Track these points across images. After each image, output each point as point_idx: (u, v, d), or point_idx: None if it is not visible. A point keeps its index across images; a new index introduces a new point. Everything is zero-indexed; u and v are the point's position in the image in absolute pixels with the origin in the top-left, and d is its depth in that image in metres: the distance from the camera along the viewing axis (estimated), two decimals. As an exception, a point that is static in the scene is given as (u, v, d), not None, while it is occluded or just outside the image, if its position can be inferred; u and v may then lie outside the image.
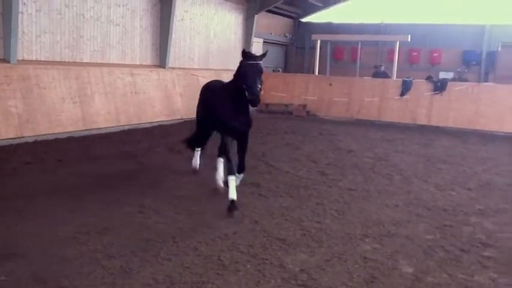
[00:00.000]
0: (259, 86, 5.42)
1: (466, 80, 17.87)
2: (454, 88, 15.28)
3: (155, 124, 12.89)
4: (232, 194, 5.63)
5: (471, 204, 6.48)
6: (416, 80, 16.26)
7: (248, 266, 4.20)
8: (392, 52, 18.09)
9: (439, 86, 15.66)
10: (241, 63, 5.70)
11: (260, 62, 5.58)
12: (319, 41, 18.48)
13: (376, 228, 5.37)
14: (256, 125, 14.38)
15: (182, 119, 13.97)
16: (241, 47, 18.33)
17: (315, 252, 4.57)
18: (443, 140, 12.49)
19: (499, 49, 17.57)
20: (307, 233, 5.10)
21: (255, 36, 18.94)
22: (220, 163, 6.71)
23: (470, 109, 14.85)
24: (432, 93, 15.57)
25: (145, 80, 13.24)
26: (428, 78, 16.43)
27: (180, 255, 4.41)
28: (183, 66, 15.18)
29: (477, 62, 20.41)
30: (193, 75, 15.22)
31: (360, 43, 18.59)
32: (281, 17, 22.64)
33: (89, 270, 4.01)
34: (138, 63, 13.39)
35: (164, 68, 14.09)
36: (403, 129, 14.36)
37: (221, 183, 6.46)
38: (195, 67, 15.83)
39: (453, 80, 17.81)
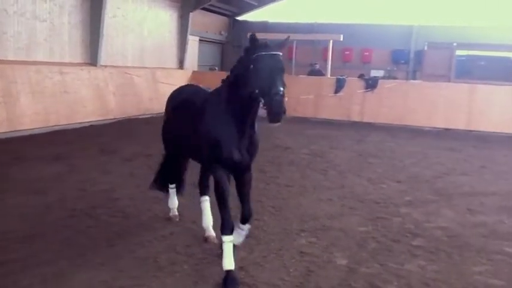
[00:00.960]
0: (282, 90, 3.36)
1: (395, 78, 18.71)
2: (384, 86, 15.90)
3: (87, 124, 12.42)
4: (229, 263, 3.84)
5: (401, 196, 6.78)
6: (349, 78, 16.78)
7: (185, 267, 4.14)
8: (326, 51, 18.57)
9: (371, 84, 16.26)
10: (248, 55, 3.61)
11: (281, 53, 3.54)
12: (254, 40, 18.60)
13: (312, 222, 5.48)
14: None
15: (115, 119, 13.57)
16: (177, 45, 18.13)
17: (253, 250, 4.58)
18: (375, 136, 12.98)
19: (426, 48, 18.53)
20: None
21: (190, 34, 18.75)
22: (206, 203, 4.90)
23: (400, 106, 15.52)
24: (364, 90, 16.12)
25: (76, 78, 12.71)
26: (361, 76, 17.04)
27: (115, 258, 4.27)
28: (116, 64, 14.73)
29: (405, 61, 21.40)
30: (127, 73, 14.82)
31: (295, 42, 18.89)
32: (217, 15, 22.59)
33: (17, 278, 3.79)
34: (67, 61, 12.84)
35: (96, 66, 13.60)
36: (337, 126, 14.77)
37: (212, 232, 4.77)
38: (129, 65, 15.42)
39: (384, 78, 18.58)
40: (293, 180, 7.52)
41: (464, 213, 6.14)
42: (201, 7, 19.08)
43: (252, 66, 3.50)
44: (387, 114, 15.62)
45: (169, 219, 5.27)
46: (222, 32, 23.51)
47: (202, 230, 4.81)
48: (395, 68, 21.37)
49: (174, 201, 5.36)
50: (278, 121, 3.34)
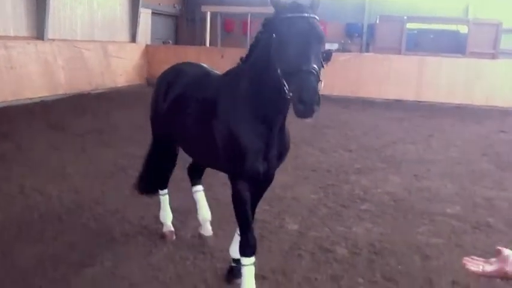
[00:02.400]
0: (316, 69, 2.37)
1: (349, 51, 18.98)
2: (338, 58, 16.08)
3: (36, 100, 11.99)
4: None
5: (351, 164, 7.00)
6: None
7: (139, 238, 4.17)
8: (280, 24, 18.56)
9: (325, 57, 16.30)
10: (270, 23, 2.65)
11: (316, 16, 2.52)
12: (209, 13, 18.35)
13: (266, 192, 5.57)
14: (147, 100, 14.14)
15: (65, 94, 13.16)
16: (129, 18, 17.62)
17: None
18: (330, 107, 13.17)
19: (377, 22, 18.77)
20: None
21: (142, 7, 18.25)
22: (200, 193, 4.21)
23: (353, 78, 15.80)
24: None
25: (22, 53, 12.17)
26: (316, 50, 17.18)
27: (67, 233, 4.24)
28: (64, 38, 14.20)
29: (359, 34, 21.71)
30: (76, 47, 14.32)
31: (249, 15, 18.77)
32: (170, -12, 22.05)
33: (-38, 257, 3.71)
34: (12, 34, 12.26)
35: (43, 39, 13.07)
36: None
37: (209, 225, 4.18)
38: (78, 39, 14.89)
39: (338, 50, 18.82)
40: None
41: (411, 179, 6.42)
42: (153, -21, 18.58)
43: (274, 35, 2.48)
44: (341, 86, 15.86)
45: (163, 236, 4.17)
46: (176, 5, 23.00)
47: (199, 224, 4.25)
48: (349, 41, 21.66)
49: (167, 212, 4.24)
50: (309, 115, 2.31)
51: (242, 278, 3.13)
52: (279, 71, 2.43)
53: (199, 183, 4.20)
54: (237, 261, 3.33)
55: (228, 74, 3.19)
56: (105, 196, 5.26)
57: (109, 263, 3.72)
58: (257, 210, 4.84)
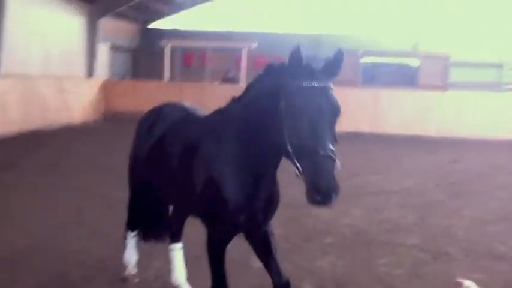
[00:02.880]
0: (334, 151, 2.17)
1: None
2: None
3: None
4: None
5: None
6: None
7: (98, 280, 4.01)
8: (239, 58, 18.85)
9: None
10: (277, 82, 2.36)
11: (331, 86, 2.34)
12: (168, 47, 18.44)
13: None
14: (104, 136, 13.99)
15: (19, 131, 12.74)
16: (86, 53, 17.44)
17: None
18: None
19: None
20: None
21: (100, 41, 18.14)
22: (179, 253, 3.88)
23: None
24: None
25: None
26: (273, 83, 17.50)
27: (20, 280, 4.03)
28: (18, 73, 13.85)
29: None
30: (31, 82, 13.97)
31: (209, 50, 19.00)
32: (128, 22, 22.06)
33: None
34: (-38, 70, 11.88)
35: (-4, 74, 12.71)
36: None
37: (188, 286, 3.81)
38: (33, 74, 14.57)
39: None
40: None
41: (371, 210, 6.52)
42: (111, 13, 18.55)
43: (283, 102, 2.21)
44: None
45: (124, 280, 3.95)
46: (134, 40, 23.00)
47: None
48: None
49: (133, 254, 3.97)
50: (326, 203, 2.11)
51: None
52: (289, 147, 2.16)
53: (179, 240, 3.87)
54: None
55: (214, 114, 2.95)
56: (60, 237, 5.05)
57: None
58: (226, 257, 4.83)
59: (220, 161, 2.67)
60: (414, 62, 18.99)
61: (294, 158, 2.14)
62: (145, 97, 17.39)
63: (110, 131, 13.61)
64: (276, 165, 2.63)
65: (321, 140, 2.09)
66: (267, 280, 4.12)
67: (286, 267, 4.35)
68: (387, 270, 4.52)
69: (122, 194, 6.86)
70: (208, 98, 17.11)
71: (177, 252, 3.84)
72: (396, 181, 8.44)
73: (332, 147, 2.11)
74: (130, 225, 3.97)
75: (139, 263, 4.32)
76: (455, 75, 18.22)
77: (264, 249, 2.98)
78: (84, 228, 5.38)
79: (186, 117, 3.27)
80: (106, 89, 17.64)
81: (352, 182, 8.19)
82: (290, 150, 2.16)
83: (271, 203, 2.79)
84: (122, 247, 4.12)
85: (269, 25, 22.63)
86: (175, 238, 3.86)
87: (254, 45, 18.26)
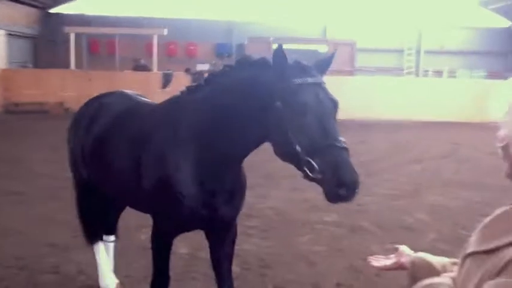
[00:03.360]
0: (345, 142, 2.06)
1: (220, 71, 19.42)
2: (210, 79, 16.43)
3: None
4: None
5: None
6: (176, 72, 16.92)
7: (17, 280, 3.80)
8: (150, 45, 18.41)
9: (197, 77, 16.61)
10: (262, 80, 2.25)
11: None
12: (73, 34, 17.50)
13: (149, 218, 5.46)
14: (7, 128, 13.03)
15: None
16: (-20, 40, 16.04)
17: (88, 250, 4.40)
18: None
19: (246, 43, 19.61)
20: (78, 233, 4.86)
21: (-5, 28, 16.80)
22: (110, 245, 3.72)
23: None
24: (192, 84, 16.42)
25: None
26: (187, 71, 17.31)
27: None
28: None
29: (229, 54, 22.37)
30: None
31: (117, 36, 18.30)
32: (26, 7, 20.55)
33: None
34: None
35: None
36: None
37: (115, 279, 3.59)
38: None
39: (209, 71, 19.17)
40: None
41: (290, 192, 6.76)
42: (6, -3, 17.22)
43: (278, 103, 2.10)
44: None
45: None
46: (34, 26, 21.50)
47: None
48: (219, 61, 22.17)
49: (107, 269, 3.59)
50: (350, 200, 1.96)
51: None
52: (297, 147, 2.02)
53: (113, 232, 3.72)
54: None
55: (165, 104, 2.78)
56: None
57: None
58: (143, 238, 4.77)
59: (175, 155, 2.48)
60: (323, 48, 19.74)
61: (305, 156, 1.99)
62: (51, 87, 16.45)
63: (13, 123, 12.72)
64: (241, 159, 2.53)
65: (333, 134, 2.00)
66: (193, 264, 4.18)
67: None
68: (309, 247, 4.75)
69: (32, 189, 6.53)
70: (119, 87, 16.46)
71: (109, 244, 3.70)
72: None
73: (344, 141, 2.01)
74: (93, 234, 3.58)
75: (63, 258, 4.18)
76: (361, 60, 19.23)
77: (220, 246, 2.86)
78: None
79: (132, 107, 3.06)
80: (5, 79, 16.39)
81: (269, 167, 8.41)
82: (299, 149, 2.01)
83: (236, 195, 2.63)
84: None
85: (179, 11, 22.25)
86: (111, 230, 3.73)
87: (165, 31, 17.90)
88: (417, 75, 22.14)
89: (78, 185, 3.53)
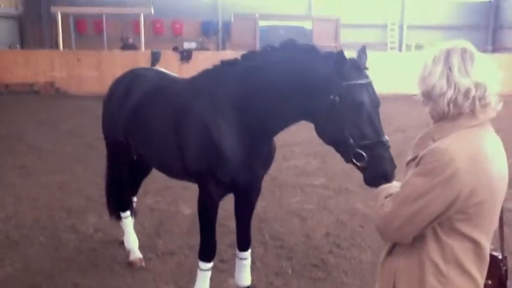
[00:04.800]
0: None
1: (207, 49, 19.69)
2: (198, 57, 16.69)
3: None
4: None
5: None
6: (164, 50, 17.14)
7: (41, 238, 4.26)
8: (136, 24, 18.56)
9: (185, 56, 16.90)
10: (320, 72, 2.44)
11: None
12: (59, 14, 17.55)
13: (152, 185, 5.91)
14: (1, 108, 13.24)
15: None
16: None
17: (102, 214, 4.86)
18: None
19: (232, 20, 19.82)
20: (91, 199, 5.32)
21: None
22: (128, 220, 3.96)
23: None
24: (180, 62, 16.71)
25: None
26: (175, 49, 17.55)
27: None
28: None
29: (215, 32, 22.56)
30: None
31: (104, 15, 18.39)
32: (9, -13, 20.44)
33: None
34: None
35: None
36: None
37: (139, 254, 3.87)
38: None
39: (196, 49, 19.40)
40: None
41: (280, 160, 7.25)
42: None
43: (336, 98, 2.32)
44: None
45: (130, 264, 3.80)
46: (18, 6, 21.40)
47: (127, 252, 3.91)
48: (206, 39, 22.36)
49: (133, 237, 3.91)
50: (387, 183, 2.10)
51: (197, 280, 3.12)
52: (351, 140, 2.27)
53: (128, 208, 3.97)
54: None
55: (203, 76, 3.04)
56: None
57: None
58: (150, 201, 5.25)
59: (217, 124, 2.77)
60: (308, 25, 20.04)
61: (356, 148, 2.24)
62: (40, 67, 16.57)
63: (7, 103, 12.99)
64: (276, 132, 2.81)
65: (380, 132, 2.28)
66: (197, 222, 4.66)
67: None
68: (299, 205, 5.27)
69: (37, 163, 6.92)
70: (108, 66, 16.78)
71: (127, 219, 3.95)
72: (298, 134, 9.26)
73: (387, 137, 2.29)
74: (121, 205, 3.93)
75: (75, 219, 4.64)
76: (345, 36, 19.59)
77: (246, 208, 3.23)
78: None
79: (168, 79, 3.41)
80: (-6, 60, 16.46)
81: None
82: (352, 142, 2.26)
83: (268, 160, 3.02)
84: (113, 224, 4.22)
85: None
86: (126, 206, 3.96)
87: (151, 10, 18.05)
88: (400, 49, 22.64)
89: (113, 151, 3.82)
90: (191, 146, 2.88)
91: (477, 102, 1.56)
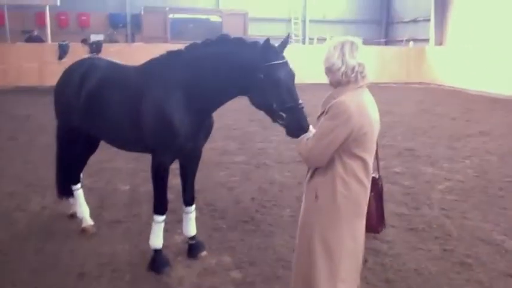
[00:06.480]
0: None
1: (116, 41, 19.60)
2: (109, 49, 16.65)
3: None
4: (157, 242, 3.71)
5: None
6: (72, 43, 16.86)
7: None
8: (40, 16, 18.02)
9: (95, 48, 16.74)
10: (251, 58, 3.10)
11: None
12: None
13: (87, 168, 6.26)
14: None
15: None
16: None
17: (45, 195, 5.20)
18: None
19: (142, 13, 19.87)
20: (29, 185, 5.61)
21: None
22: (80, 191, 4.45)
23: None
24: (89, 55, 16.56)
25: None
26: (84, 41, 17.31)
27: None
28: None
29: (123, 24, 22.36)
30: None
31: (5, 7, 17.61)
32: None
33: None
34: None
35: None
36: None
37: (90, 221, 4.35)
38: None
39: (105, 41, 19.23)
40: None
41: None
42: None
43: (262, 76, 3.00)
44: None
45: (83, 231, 4.27)
46: None
47: (79, 221, 4.38)
48: (114, 32, 22.13)
49: (85, 207, 4.41)
50: (300, 135, 2.78)
51: (152, 232, 3.69)
52: (274, 105, 2.94)
53: (79, 181, 4.46)
54: (191, 238, 3.90)
55: (151, 64, 3.61)
56: None
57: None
58: (88, 181, 5.65)
59: (169, 103, 3.36)
60: (216, 18, 20.71)
61: (279, 112, 2.92)
62: None
63: None
64: (216, 108, 3.48)
65: (296, 98, 2.95)
66: (134, 196, 5.15)
67: (148, 186, 5.49)
68: (226, 179, 6.01)
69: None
70: (13, 59, 16.17)
71: (79, 191, 4.43)
72: (218, 120, 9.94)
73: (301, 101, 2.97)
74: (71, 179, 4.40)
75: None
76: (252, 29, 20.52)
77: (189, 169, 3.89)
78: None
79: (120, 67, 3.94)
80: None
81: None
82: (275, 107, 2.94)
83: (209, 131, 3.71)
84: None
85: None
86: (77, 179, 4.46)
87: (57, 1, 17.62)
88: (304, 42, 24.10)
89: (65, 133, 4.24)
90: (147, 122, 3.44)
91: (359, 75, 2.43)
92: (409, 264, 3.77)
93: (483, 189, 5.67)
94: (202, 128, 3.57)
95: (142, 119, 3.47)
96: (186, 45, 3.50)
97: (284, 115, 2.91)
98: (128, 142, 3.82)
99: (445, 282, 3.52)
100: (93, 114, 3.82)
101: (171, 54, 3.52)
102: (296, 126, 2.86)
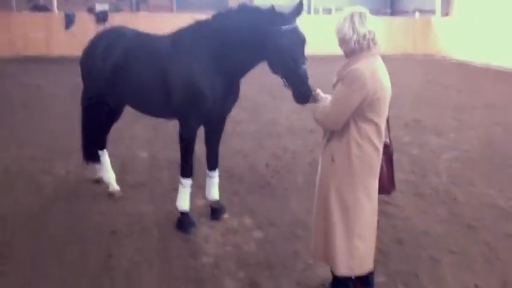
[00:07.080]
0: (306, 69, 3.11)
1: (122, 10, 19.54)
2: (115, 18, 16.65)
3: None
4: (184, 205, 3.90)
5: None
6: (78, 12, 16.83)
7: (21, 184, 4.77)
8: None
9: (102, 17, 16.75)
10: (260, 24, 3.22)
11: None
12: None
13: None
14: None
15: None
16: None
17: (69, 160, 5.42)
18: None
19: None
20: (51, 150, 5.82)
21: None
22: (106, 156, 4.61)
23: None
24: (96, 24, 16.55)
25: None
26: (90, 10, 17.27)
27: None
28: None
29: (128, -7, 22.23)
30: None
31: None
32: None
33: None
34: None
35: None
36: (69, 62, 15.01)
37: (116, 186, 4.55)
38: None
39: (110, 10, 19.15)
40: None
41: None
42: None
43: (270, 41, 3.12)
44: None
45: (110, 195, 4.49)
46: None
47: (105, 185, 4.60)
48: (120, 1, 22.02)
49: (111, 172, 4.61)
50: (306, 103, 3.00)
51: (179, 194, 3.88)
52: (279, 70, 3.09)
53: (105, 147, 4.64)
54: (215, 202, 4.09)
55: (181, 34, 3.73)
56: None
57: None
58: (108, 149, 5.85)
59: (198, 68, 3.52)
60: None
61: (283, 76, 3.08)
62: None
63: None
64: (243, 74, 3.60)
65: (300, 64, 3.04)
66: (154, 163, 5.38)
67: (168, 154, 5.69)
68: (240, 147, 6.21)
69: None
70: (18, 28, 16.18)
71: (105, 156, 4.62)
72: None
73: (306, 67, 3.07)
74: (97, 144, 4.58)
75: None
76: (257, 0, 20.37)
77: (215, 133, 4.03)
78: None
79: (147, 35, 4.08)
80: None
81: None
82: (281, 71, 3.10)
83: (236, 97, 3.82)
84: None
85: None
86: (104, 145, 4.64)
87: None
88: (309, 12, 23.92)
89: (91, 99, 4.36)
90: (177, 87, 3.61)
91: (371, 42, 2.59)
92: (419, 226, 4.00)
93: (489, 159, 5.86)
94: (230, 93, 3.69)
95: (172, 84, 3.62)
96: (213, 14, 3.63)
97: (287, 80, 3.07)
98: (156, 108, 3.96)
99: (453, 242, 3.75)
100: (122, 82, 3.95)
101: (199, 23, 3.66)
102: (298, 93, 3.01)
